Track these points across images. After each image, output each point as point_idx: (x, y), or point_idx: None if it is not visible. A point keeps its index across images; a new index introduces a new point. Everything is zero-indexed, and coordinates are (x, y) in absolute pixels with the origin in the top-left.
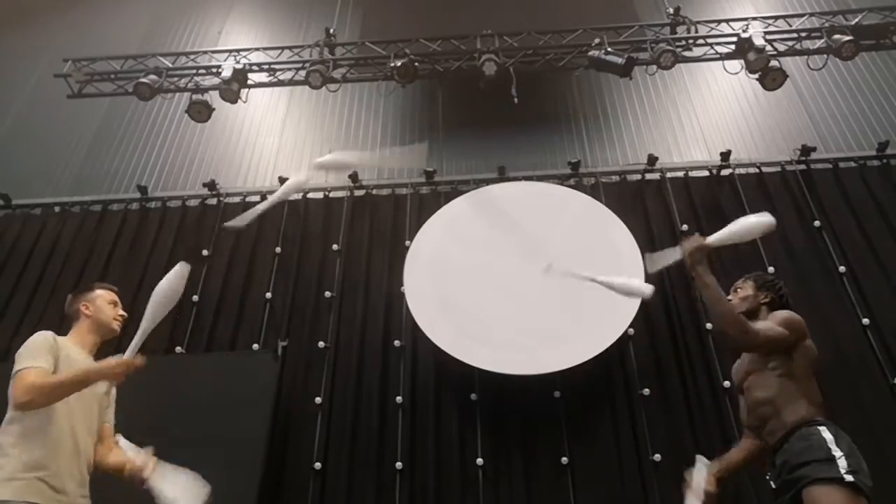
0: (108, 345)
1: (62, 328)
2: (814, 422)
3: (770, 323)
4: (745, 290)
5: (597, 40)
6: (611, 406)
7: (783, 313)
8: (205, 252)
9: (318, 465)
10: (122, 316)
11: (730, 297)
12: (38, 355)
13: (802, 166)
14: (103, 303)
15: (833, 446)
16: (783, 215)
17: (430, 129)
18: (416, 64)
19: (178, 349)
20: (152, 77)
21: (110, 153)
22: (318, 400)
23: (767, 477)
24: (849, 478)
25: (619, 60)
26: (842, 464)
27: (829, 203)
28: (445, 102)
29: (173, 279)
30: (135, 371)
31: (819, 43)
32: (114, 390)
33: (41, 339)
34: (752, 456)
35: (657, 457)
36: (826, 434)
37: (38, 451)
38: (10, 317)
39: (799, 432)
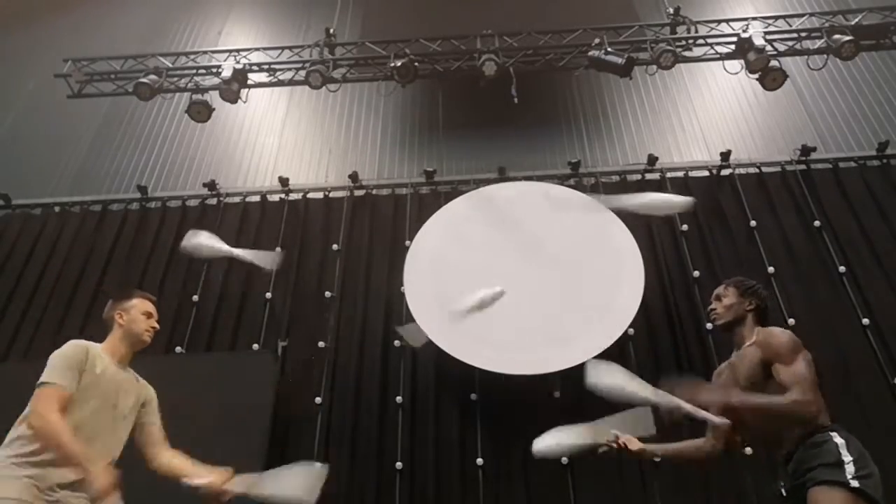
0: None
1: (63, 329)
2: (825, 428)
3: (791, 370)
4: (728, 297)
5: (597, 40)
6: (610, 406)
7: (782, 339)
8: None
9: (317, 464)
10: (153, 328)
11: (713, 306)
12: (65, 371)
13: (802, 166)
14: (137, 313)
15: (844, 451)
16: (783, 215)
17: (430, 129)
18: (416, 64)
19: (178, 349)
20: (152, 77)
21: (110, 153)
22: (318, 400)
23: (781, 486)
24: (854, 483)
25: (619, 60)
26: (849, 469)
27: (829, 203)
28: (445, 102)
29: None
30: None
31: (819, 43)
32: (151, 398)
33: (72, 352)
34: (695, 456)
35: (657, 457)
36: (837, 439)
37: (39, 455)
38: (10, 316)
39: (811, 440)
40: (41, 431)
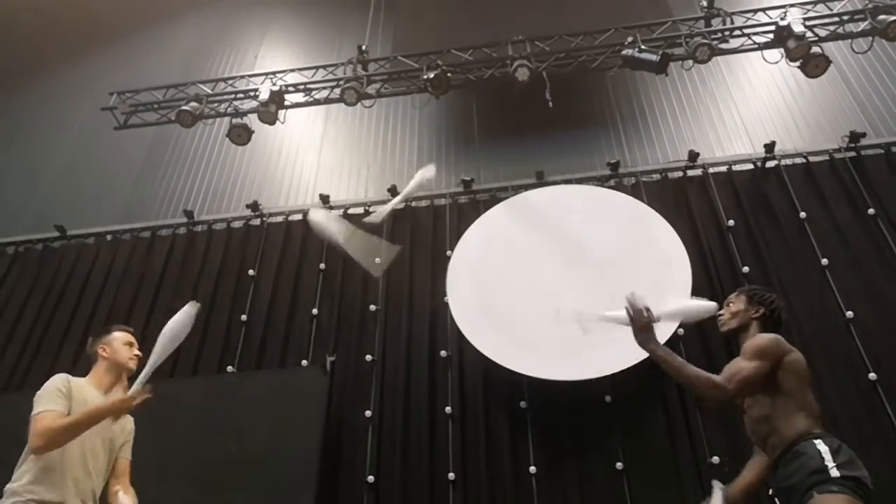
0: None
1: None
2: (811, 435)
3: (739, 362)
4: (736, 304)
5: (629, 39)
6: (664, 408)
7: (755, 342)
8: (251, 272)
9: (370, 478)
10: (136, 355)
11: (721, 312)
12: (53, 399)
13: (852, 153)
14: (119, 344)
15: (827, 457)
16: (834, 205)
17: (465, 139)
18: (449, 74)
19: (230, 368)
20: (193, 104)
21: (156, 180)
22: (367, 413)
23: (770, 493)
24: (836, 474)
25: (654, 57)
26: (833, 473)
27: (883, 189)
28: (480, 111)
29: (182, 318)
30: (142, 403)
31: (863, 25)
32: (130, 426)
33: (56, 383)
34: (766, 472)
35: (715, 459)
36: (821, 446)
37: (48, 495)
38: (70, 342)
39: (796, 447)
40: (50, 442)
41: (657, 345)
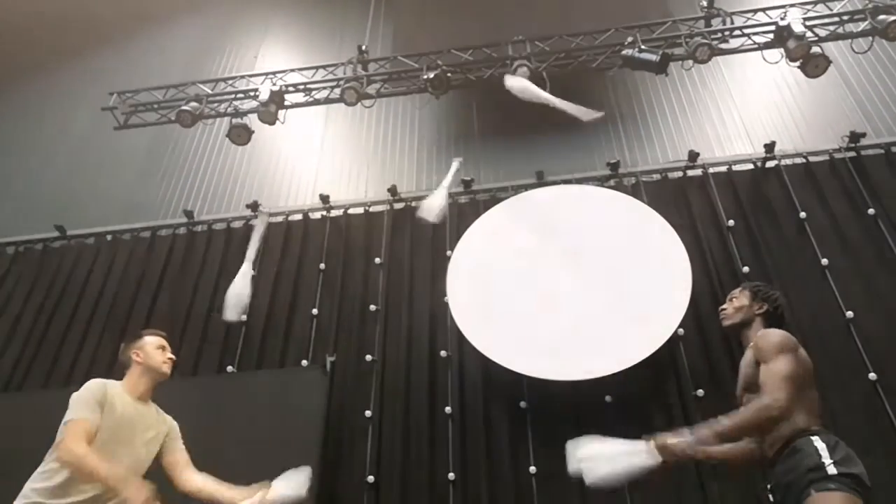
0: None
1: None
2: (808, 431)
3: (770, 368)
4: (740, 299)
5: (630, 39)
6: (665, 409)
7: (769, 340)
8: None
9: (370, 478)
10: (170, 359)
11: (724, 306)
12: (88, 406)
13: (852, 153)
14: (152, 349)
15: (825, 454)
16: (834, 205)
17: (465, 139)
18: (449, 74)
19: (230, 368)
20: (193, 104)
21: (156, 180)
22: (367, 413)
23: (768, 487)
24: (833, 471)
25: (654, 57)
26: (831, 470)
27: (883, 189)
28: (480, 111)
29: None
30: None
31: (863, 25)
32: (165, 427)
33: (93, 389)
34: (734, 456)
35: None
36: (818, 443)
37: (61, 487)
38: (70, 342)
39: (793, 444)
40: (72, 465)
41: (683, 444)
